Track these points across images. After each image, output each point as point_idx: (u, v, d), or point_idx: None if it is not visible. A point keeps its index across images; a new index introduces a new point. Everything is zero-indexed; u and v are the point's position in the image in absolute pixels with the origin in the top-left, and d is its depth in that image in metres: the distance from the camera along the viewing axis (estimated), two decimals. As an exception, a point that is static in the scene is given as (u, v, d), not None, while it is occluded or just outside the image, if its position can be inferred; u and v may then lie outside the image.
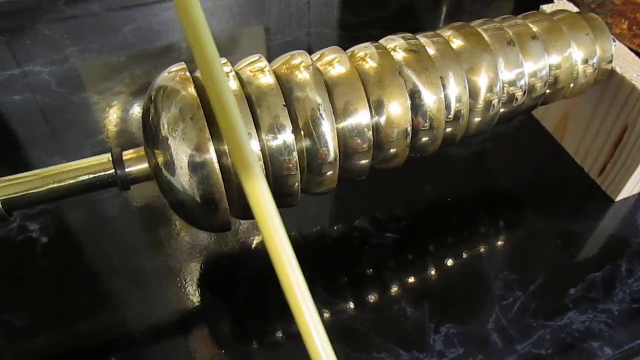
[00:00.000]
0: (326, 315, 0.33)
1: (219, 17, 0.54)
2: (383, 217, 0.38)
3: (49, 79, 0.46)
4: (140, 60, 0.48)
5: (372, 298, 0.34)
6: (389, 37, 0.32)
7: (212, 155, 0.25)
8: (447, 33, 0.32)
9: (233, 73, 0.27)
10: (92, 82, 0.46)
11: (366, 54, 0.30)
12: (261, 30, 0.55)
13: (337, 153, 0.28)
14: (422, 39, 0.31)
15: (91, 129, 0.43)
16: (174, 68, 0.28)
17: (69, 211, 0.37)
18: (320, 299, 0.33)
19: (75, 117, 0.43)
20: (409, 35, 0.32)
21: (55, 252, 0.35)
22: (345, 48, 0.31)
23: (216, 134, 0.26)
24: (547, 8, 0.38)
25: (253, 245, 0.36)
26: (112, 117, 0.44)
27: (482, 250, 0.36)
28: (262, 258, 0.35)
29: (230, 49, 0.52)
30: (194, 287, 0.34)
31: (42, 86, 0.46)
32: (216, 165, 0.25)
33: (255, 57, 0.29)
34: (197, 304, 0.33)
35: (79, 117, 0.43)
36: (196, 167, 0.25)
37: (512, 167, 0.42)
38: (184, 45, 0.50)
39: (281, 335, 0.32)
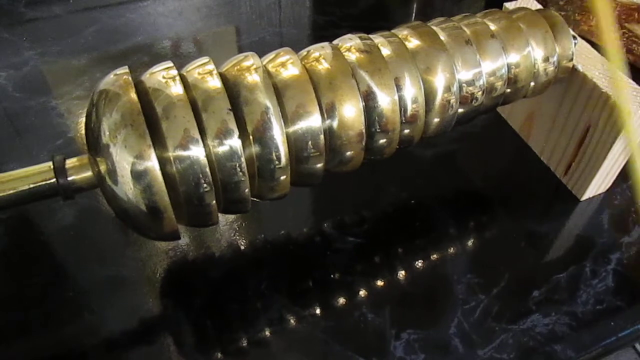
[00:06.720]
0: (286, 322, 0.32)
1: (188, 18, 0.53)
2: (346, 221, 0.37)
3: (6, 84, 0.45)
4: (102, 63, 0.47)
5: (332, 304, 0.33)
6: (347, 36, 0.31)
7: (153, 163, 0.24)
8: (403, 33, 0.31)
9: (178, 77, 0.26)
10: (52, 86, 0.45)
11: (320, 55, 0.29)
12: (232, 31, 0.54)
13: (289, 158, 0.27)
14: (378, 39, 0.31)
15: (49, 135, 0.41)
16: (118, 72, 0.27)
17: (21, 220, 0.36)
18: (280, 306, 0.32)
19: (33, 122, 0.42)
20: (364, 35, 0.31)
21: (5, 263, 0.34)
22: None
23: (158, 141, 0.25)
24: (510, 5, 0.38)
25: (212, 253, 0.35)
26: (71, 122, 0.42)
27: (445, 253, 0.35)
28: (222, 265, 0.35)
29: (200, 50, 0.51)
30: (152, 296, 0.33)
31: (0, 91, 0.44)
32: (158, 173, 0.25)
33: (203, 60, 0.28)
34: (155, 313, 0.32)
35: (37, 122, 0.42)
36: (138, 176, 0.25)
37: (478, 168, 0.41)
38: (148, 47, 0.49)
39: (244, 343, 0.31)
